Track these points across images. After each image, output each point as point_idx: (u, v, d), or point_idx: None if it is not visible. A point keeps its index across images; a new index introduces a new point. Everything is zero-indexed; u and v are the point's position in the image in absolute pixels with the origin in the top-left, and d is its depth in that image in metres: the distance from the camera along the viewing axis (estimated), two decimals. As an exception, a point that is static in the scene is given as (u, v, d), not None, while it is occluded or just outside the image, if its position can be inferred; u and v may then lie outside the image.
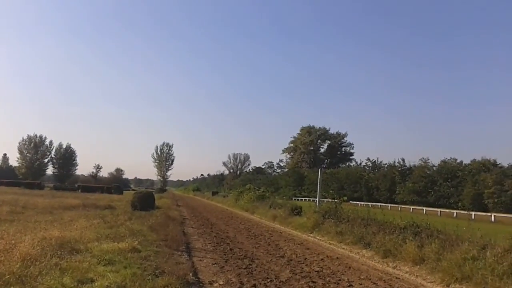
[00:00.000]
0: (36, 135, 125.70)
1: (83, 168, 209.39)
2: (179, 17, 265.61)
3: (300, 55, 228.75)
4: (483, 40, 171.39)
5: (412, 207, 56.32)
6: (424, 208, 52.57)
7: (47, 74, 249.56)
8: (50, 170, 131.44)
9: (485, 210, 49.76)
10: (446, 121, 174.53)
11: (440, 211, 50.11)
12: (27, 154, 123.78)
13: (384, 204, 62.69)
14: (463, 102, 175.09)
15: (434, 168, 69.36)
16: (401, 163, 77.89)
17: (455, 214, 45.37)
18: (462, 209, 47.64)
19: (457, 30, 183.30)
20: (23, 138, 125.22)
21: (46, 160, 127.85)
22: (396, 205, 60.96)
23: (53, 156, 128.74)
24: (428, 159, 72.81)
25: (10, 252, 8.08)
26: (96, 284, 6.98)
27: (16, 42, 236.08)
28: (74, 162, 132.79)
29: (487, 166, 59.78)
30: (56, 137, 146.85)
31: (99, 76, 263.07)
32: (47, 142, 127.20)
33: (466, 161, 66.47)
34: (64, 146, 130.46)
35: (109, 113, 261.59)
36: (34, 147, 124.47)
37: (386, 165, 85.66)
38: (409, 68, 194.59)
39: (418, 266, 11.71)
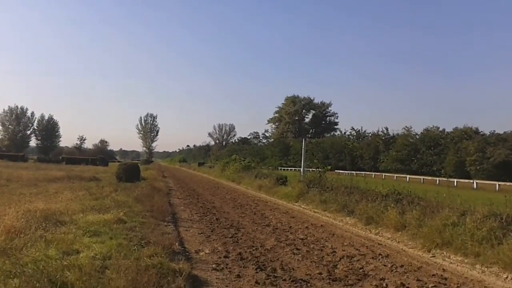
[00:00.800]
0: (17, 107, 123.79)
1: (67, 139, 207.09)
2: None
3: (286, 24, 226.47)
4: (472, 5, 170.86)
5: (395, 175, 57.11)
6: (408, 176, 53.40)
7: (26, 44, 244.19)
8: (33, 142, 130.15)
9: (467, 177, 50.66)
10: (429, 89, 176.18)
11: (423, 178, 50.98)
12: (9, 126, 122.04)
13: (368, 173, 63.55)
14: (446, 69, 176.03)
15: (417, 137, 70.07)
16: (385, 132, 78.68)
17: (437, 181, 46.21)
18: (444, 177, 48.48)
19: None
20: (4, 109, 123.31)
21: (28, 132, 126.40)
22: (380, 173, 61.81)
23: (35, 127, 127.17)
24: (411, 128, 73.56)
25: (-6, 225, 8.06)
26: (81, 255, 6.99)
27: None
28: (57, 133, 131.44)
29: (469, 134, 60.51)
30: (38, 109, 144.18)
31: (81, 46, 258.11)
32: (28, 114, 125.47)
33: (449, 129, 67.35)
34: (46, 118, 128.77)
35: (92, 84, 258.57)
36: (16, 119, 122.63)
37: (370, 134, 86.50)
38: (392, 33, 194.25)
39: (400, 233, 11.96)
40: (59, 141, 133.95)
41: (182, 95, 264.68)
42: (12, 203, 11.92)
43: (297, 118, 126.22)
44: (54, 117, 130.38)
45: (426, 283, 7.28)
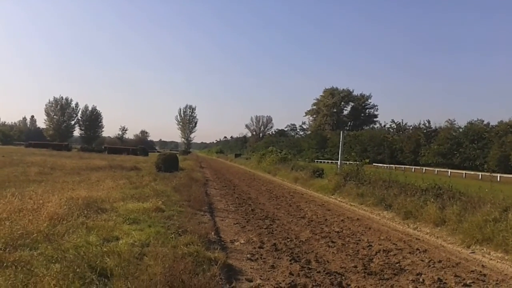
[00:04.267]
0: (62, 97, 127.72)
1: (109, 130, 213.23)
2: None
3: (324, 14, 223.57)
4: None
5: (436, 169, 55.74)
6: (449, 170, 52.04)
7: (71, 37, 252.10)
8: (77, 132, 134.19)
9: (512, 172, 48.89)
10: (473, 80, 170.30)
11: (465, 173, 49.56)
12: (54, 116, 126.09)
13: (408, 167, 62.19)
14: (490, 60, 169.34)
15: (460, 130, 67.85)
16: (427, 124, 76.55)
17: (480, 176, 44.77)
18: (487, 171, 46.88)
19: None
20: (49, 100, 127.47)
21: (73, 122, 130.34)
22: (420, 167, 60.43)
23: (79, 118, 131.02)
24: (454, 121, 71.28)
25: (38, 212, 8.36)
26: (121, 242, 7.20)
27: (36, 2, 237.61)
28: (100, 124, 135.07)
29: (514, 127, 58.23)
30: (82, 99, 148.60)
31: (123, 38, 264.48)
32: (73, 104, 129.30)
33: (493, 122, 64.95)
34: (90, 108, 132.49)
35: (133, 76, 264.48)
36: (61, 109, 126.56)
37: (411, 127, 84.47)
38: (435, 23, 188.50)
39: (439, 228, 11.70)
40: (102, 131, 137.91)
41: (220, 87, 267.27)
42: (55, 190, 12.34)
43: (335, 110, 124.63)
44: (98, 108, 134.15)
45: (464, 279, 7.11)
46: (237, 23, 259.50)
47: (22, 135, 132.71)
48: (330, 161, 76.44)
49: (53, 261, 5.64)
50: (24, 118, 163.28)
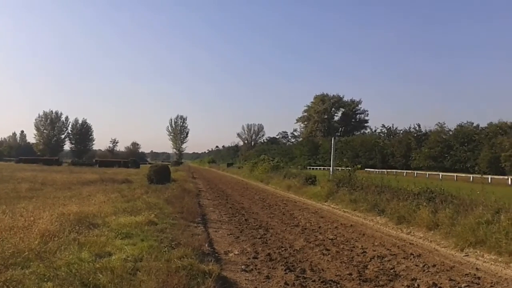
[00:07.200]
0: (52, 111, 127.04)
1: (99, 143, 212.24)
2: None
3: (313, 20, 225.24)
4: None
5: (428, 172, 56.08)
6: (440, 173, 52.34)
7: (60, 48, 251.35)
8: (67, 146, 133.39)
9: (502, 173, 49.22)
10: (462, 83, 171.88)
11: (457, 175, 49.84)
12: (44, 131, 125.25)
13: (399, 171, 62.50)
14: (478, 62, 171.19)
15: (450, 133, 68.36)
16: (417, 128, 76.99)
17: (471, 178, 45.06)
18: (478, 173, 47.17)
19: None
20: (39, 114, 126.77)
21: (63, 136, 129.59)
22: (412, 171, 60.71)
23: (69, 132, 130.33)
24: (444, 124, 71.71)
25: (29, 229, 8.25)
26: (113, 257, 7.12)
27: (25, 13, 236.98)
28: (90, 137, 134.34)
29: (504, 129, 58.67)
30: (72, 113, 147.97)
31: (112, 50, 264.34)
32: (63, 118, 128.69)
33: (483, 124, 65.45)
34: (80, 122, 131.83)
35: (123, 87, 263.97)
36: (51, 123, 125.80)
37: (401, 131, 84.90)
38: (423, 26, 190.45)
39: (432, 232, 11.74)
40: (92, 145, 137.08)
41: (211, 96, 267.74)
42: (46, 206, 12.21)
43: (326, 116, 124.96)
44: (88, 121, 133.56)
45: (458, 283, 7.14)
46: (226, 30, 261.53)
47: (12, 150, 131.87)
48: (322, 167, 76.64)
49: (45, 279, 5.58)
50: (14, 134, 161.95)
